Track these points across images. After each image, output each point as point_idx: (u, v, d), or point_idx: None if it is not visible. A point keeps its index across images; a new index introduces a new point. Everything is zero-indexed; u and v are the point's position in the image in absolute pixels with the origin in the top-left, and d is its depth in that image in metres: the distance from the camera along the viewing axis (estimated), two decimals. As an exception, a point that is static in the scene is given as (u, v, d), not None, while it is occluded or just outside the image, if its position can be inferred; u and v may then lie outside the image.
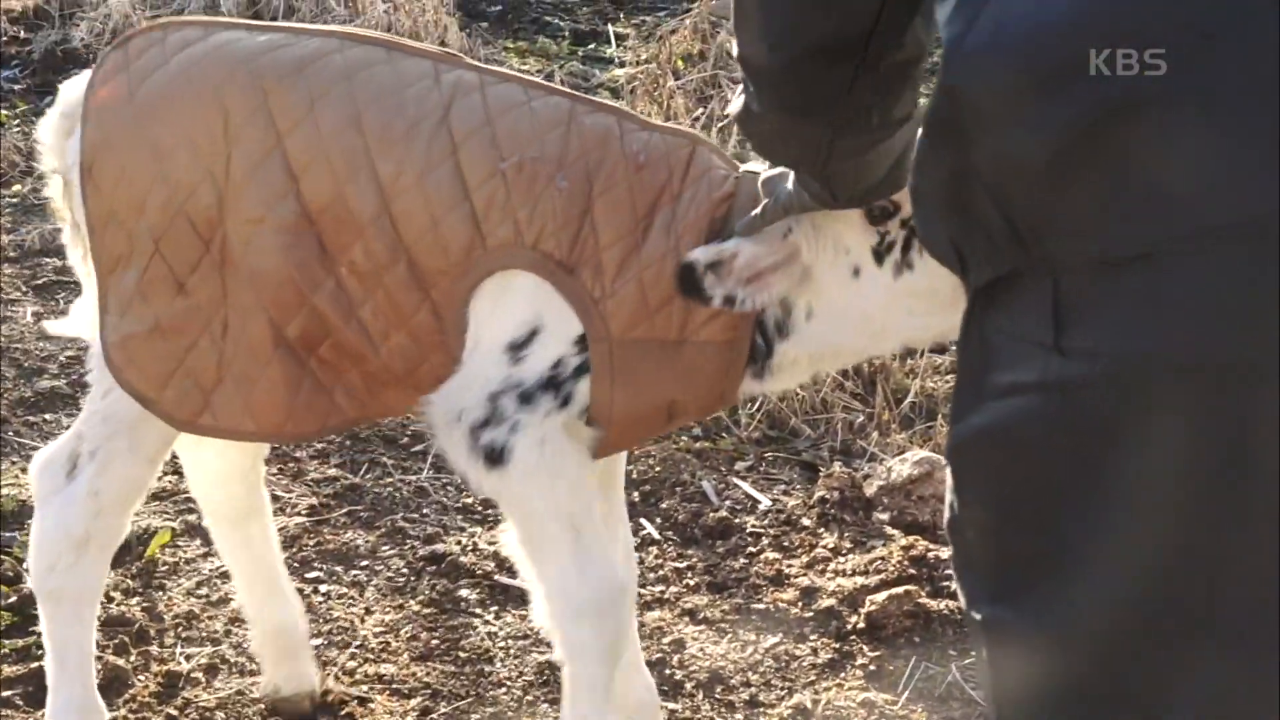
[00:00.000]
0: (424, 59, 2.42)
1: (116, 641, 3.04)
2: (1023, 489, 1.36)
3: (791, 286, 2.30)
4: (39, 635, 3.04)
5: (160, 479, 3.69)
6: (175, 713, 2.88)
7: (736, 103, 1.89)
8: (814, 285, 2.31)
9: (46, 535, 2.55)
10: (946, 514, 1.48)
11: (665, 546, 3.49)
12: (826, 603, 3.23)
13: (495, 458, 2.32)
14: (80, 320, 2.64)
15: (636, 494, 3.65)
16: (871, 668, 3.05)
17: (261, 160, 2.33)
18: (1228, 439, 1.24)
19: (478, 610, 3.24)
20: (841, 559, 3.39)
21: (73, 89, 2.50)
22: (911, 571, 3.27)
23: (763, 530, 3.53)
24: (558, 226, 2.30)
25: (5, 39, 6.73)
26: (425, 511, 3.64)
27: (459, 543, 3.49)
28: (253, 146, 2.33)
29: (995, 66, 1.28)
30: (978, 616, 1.43)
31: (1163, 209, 1.22)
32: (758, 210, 2.25)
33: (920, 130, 1.41)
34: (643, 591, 3.25)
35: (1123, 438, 1.27)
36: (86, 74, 2.48)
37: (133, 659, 3.01)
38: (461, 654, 3.11)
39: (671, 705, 2.93)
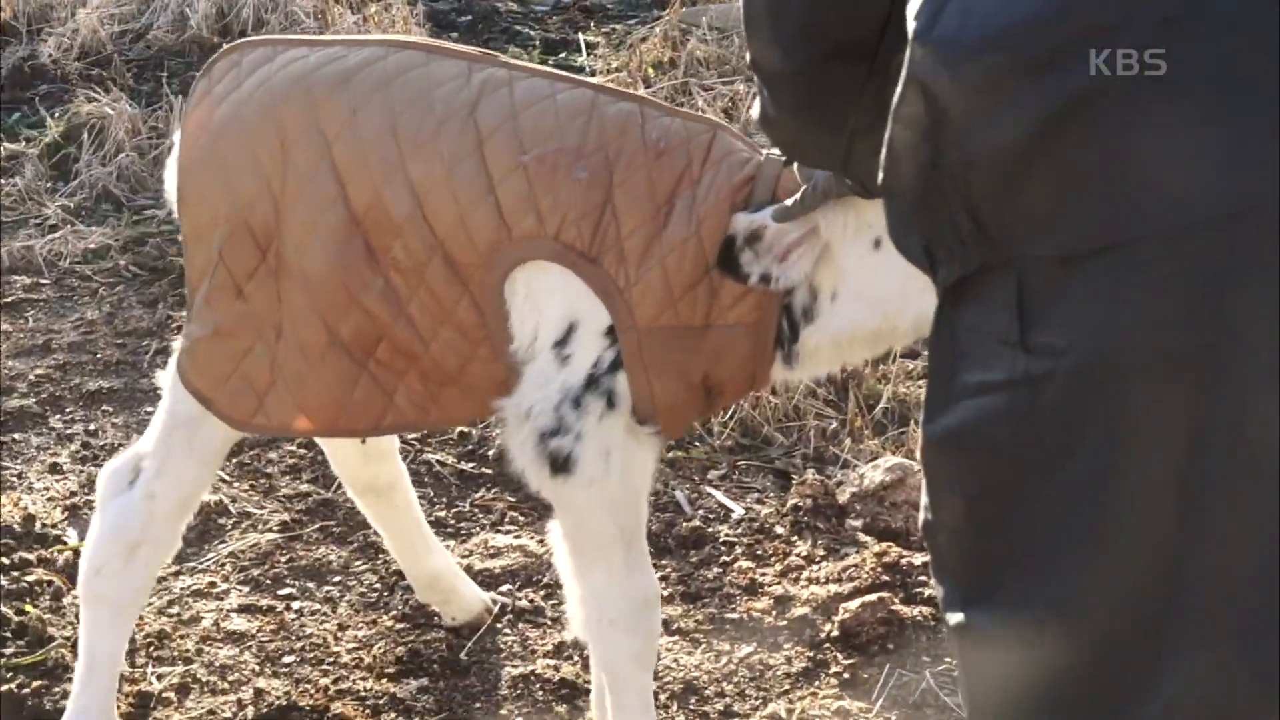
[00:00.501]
0: (459, 60, 2.50)
1: (87, 662, 3.02)
2: (993, 490, 1.36)
3: (812, 263, 2.33)
4: (8, 657, 3.03)
5: (131, 497, 3.67)
6: (147, 733, 2.87)
7: (756, 107, 1.90)
8: (835, 263, 2.35)
9: (100, 539, 2.64)
10: (921, 517, 1.48)
11: (639, 557, 3.48)
12: (800, 611, 3.22)
13: (561, 465, 2.40)
14: None
15: (610, 505, 3.64)
16: (845, 676, 3.05)
17: (312, 170, 2.43)
18: (1191, 434, 1.25)
19: (451, 624, 3.23)
20: (815, 567, 3.39)
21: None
22: (885, 578, 3.27)
23: (736, 539, 3.53)
24: (578, 216, 2.35)
25: (-27, 55, 6.70)
26: (398, 526, 3.62)
27: (432, 557, 3.47)
28: (305, 158, 2.44)
29: (960, 60, 1.28)
30: (952, 621, 1.43)
31: (1124, 202, 1.22)
32: (797, 197, 2.27)
33: (888, 124, 1.40)
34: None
35: (1088, 436, 1.27)
36: None
37: (104, 680, 2.99)
38: (435, 669, 3.10)
39: (646, 717, 2.92)
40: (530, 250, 2.38)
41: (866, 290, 2.35)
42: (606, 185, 2.36)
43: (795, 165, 2.29)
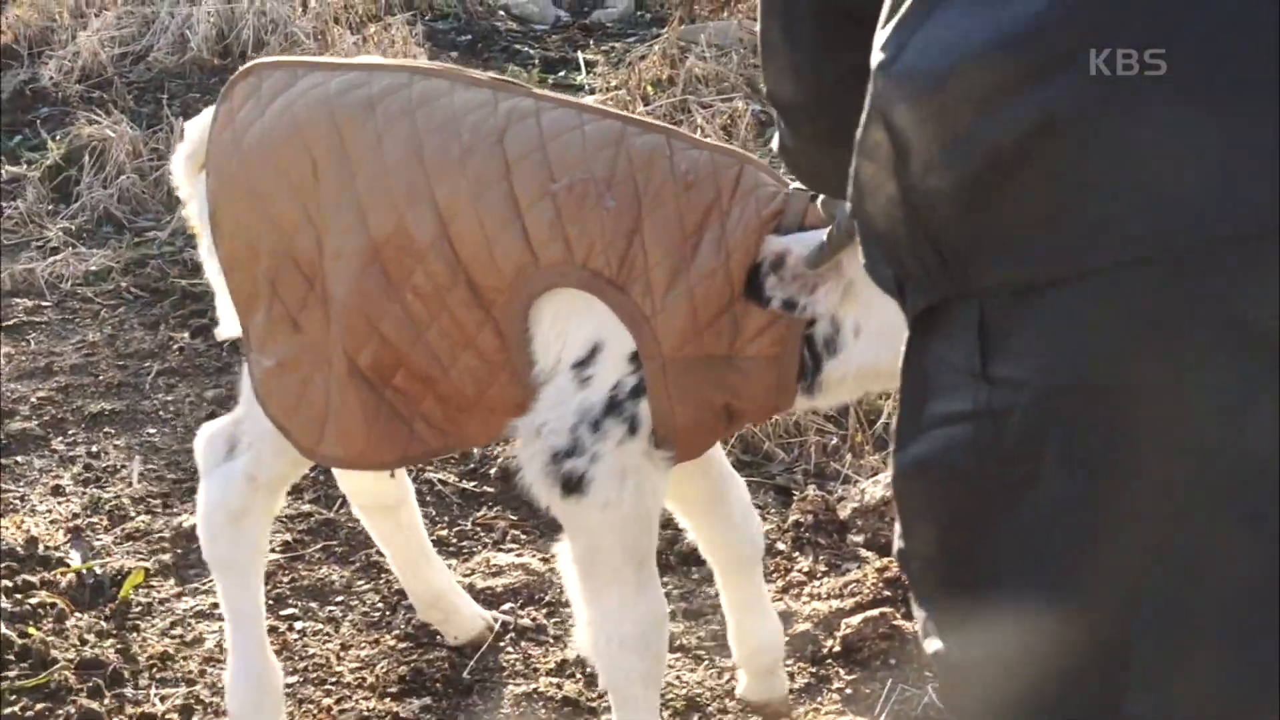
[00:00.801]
0: (484, 88, 2.53)
1: (90, 684, 3.02)
2: (962, 519, 1.37)
3: (836, 301, 2.33)
4: (11, 680, 3.03)
5: (133, 519, 3.69)
6: (150, 755, 2.87)
7: (775, 140, 1.91)
8: (858, 299, 2.36)
9: (208, 510, 2.77)
10: (895, 545, 1.48)
11: (641, 574, 3.48)
12: (802, 627, 3.22)
13: (573, 486, 2.42)
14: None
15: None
16: (848, 691, 3.05)
17: (339, 197, 2.46)
18: (1162, 459, 1.25)
19: (453, 643, 3.23)
20: (816, 582, 3.39)
21: (194, 128, 2.69)
22: (886, 593, 3.27)
23: (738, 555, 3.52)
24: (606, 244, 2.36)
25: (-26, 79, 6.73)
26: (400, 545, 3.62)
27: (434, 576, 3.47)
28: (332, 185, 2.47)
29: (918, 92, 1.29)
30: (929, 649, 1.44)
31: (1080, 234, 1.22)
32: (824, 239, 2.27)
33: (854, 157, 1.40)
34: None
35: (1049, 467, 1.28)
36: (206, 113, 2.67)
37: (107, 702, 3.00)
38: (438, 688, 3.10)
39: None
40: (558, 277, 2.39)
41: (889, 328, 2.32)
42: (635, 215, 2.38)
43: (820, 203, 2.30)
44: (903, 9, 1.32)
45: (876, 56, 1.34)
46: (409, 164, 2.44)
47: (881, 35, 1.34)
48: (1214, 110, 1.19)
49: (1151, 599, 1.28)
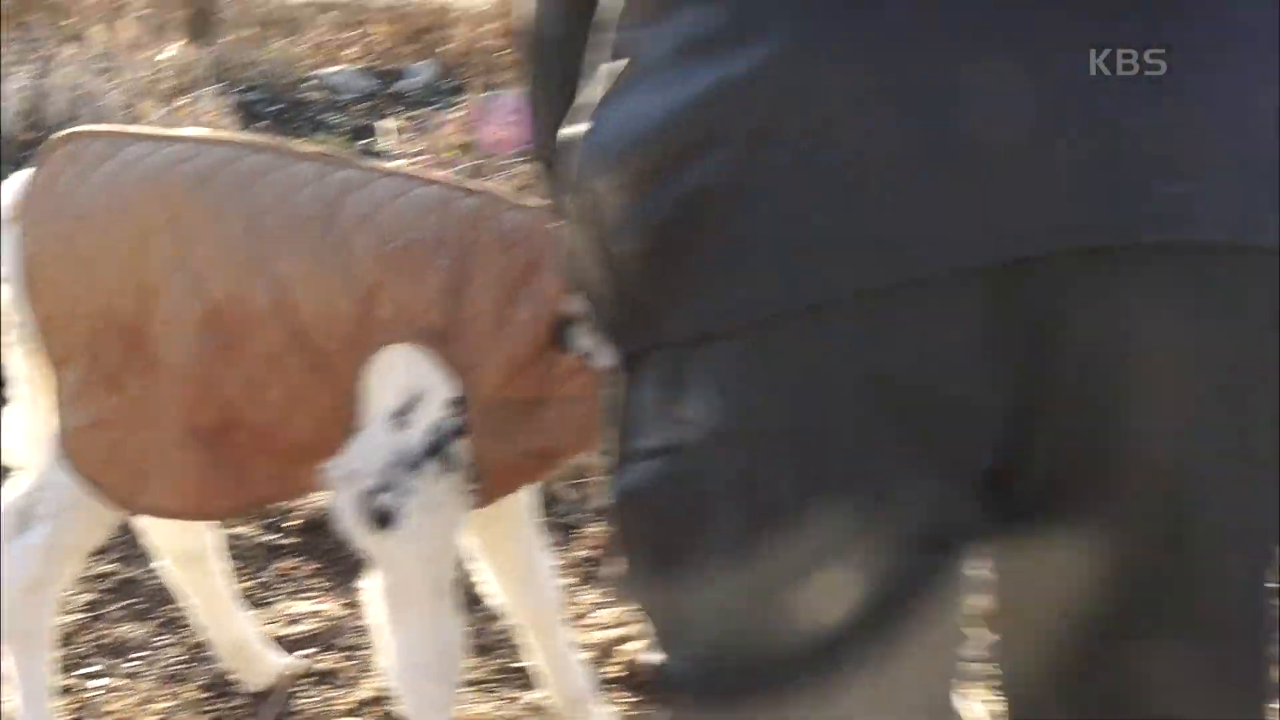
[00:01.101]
0: (313, 162, 2.70)
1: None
2: (658, 547, 1.47)
3: None
4: None
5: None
6: (-52, 812, 2.93)
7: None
8: None
9: (7, 583, 2.81)
10: (615, 569, 1.60)
11: (435, 615, 3.63)
12: (585, 655, 3.41)
13: (384, 520, 2.57)
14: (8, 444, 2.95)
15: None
16: (632, 713, 3.24)
17: (173, 267, 2.59)
18: (774, 520, 1.37)
19: (255, 691, 3.34)
20: (599, 613, 3.58)
21: (3, 194, 2.76)
22: (664, 620, 3.47)
23: (528, 593, 3.70)
24: (436, 300, 2.55)
25: None
26: (202, 600, 3.72)
27: (234, 627, 3.58)
28: (166, 255, 2.59)
29: (608, 164, 1.43)
30: (651, 662, 1.54)
31: (725, 293, 1.37)
32: None
33: (563, 218, 1.53)
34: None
35: (715, 507, 1.40)
36: (15, 179, 2.75)
37: (-95, 765, 3.04)
38: (237, 734, 3.21)
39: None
40: (392, 334, 2.56)
41: None
42: (463, 272, 2.56)
43: None
44: (609, 85, 1.45)
45: (581, 127, 1.47)
46: (248, 236, 2.59)
47: (587, 106, 1.48)
48: (852, 181, 1.32)
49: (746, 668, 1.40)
